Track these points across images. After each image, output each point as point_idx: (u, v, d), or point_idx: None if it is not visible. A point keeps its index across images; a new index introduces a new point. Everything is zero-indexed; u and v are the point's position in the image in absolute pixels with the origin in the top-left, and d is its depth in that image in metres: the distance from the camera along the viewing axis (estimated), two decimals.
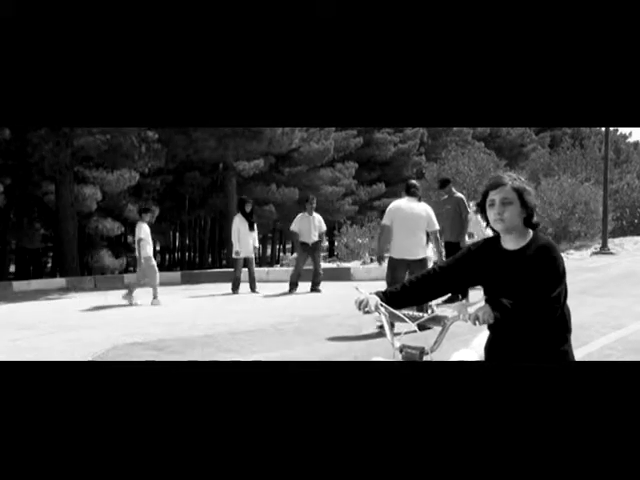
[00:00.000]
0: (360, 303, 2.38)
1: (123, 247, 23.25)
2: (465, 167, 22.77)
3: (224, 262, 20.37)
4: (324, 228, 11.08)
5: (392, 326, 2.38)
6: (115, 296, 10.84)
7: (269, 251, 34.66)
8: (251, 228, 10.98)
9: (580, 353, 5.79)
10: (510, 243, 2.44)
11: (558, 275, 2.32)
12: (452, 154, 24.84)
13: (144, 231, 9.93)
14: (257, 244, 11.48)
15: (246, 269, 11.13)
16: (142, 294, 10.19)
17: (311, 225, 10.73)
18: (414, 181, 7.39)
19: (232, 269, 11.45)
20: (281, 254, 35.01)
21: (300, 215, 10.82)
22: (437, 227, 7.22)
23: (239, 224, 11.00)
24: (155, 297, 9.92)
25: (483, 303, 2.21)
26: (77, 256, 16.75)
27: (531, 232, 2.44)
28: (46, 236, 21.82)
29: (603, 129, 23.58)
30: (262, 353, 5.63)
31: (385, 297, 2.46)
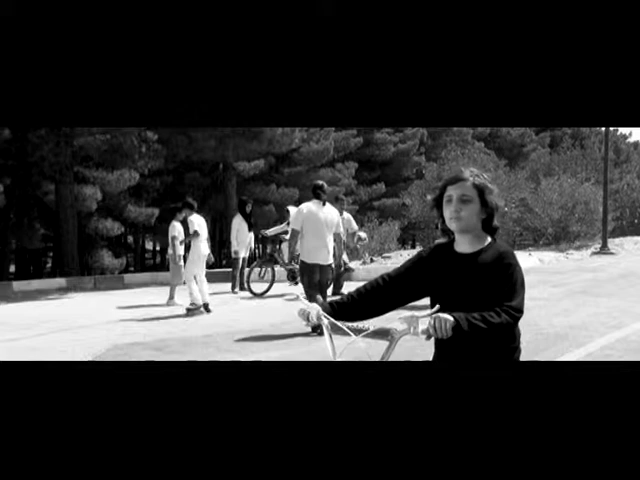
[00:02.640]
0: (302, 313, 2.18)
1: (123, 247, 23.24)
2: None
3: (224, 262, 20.37)
4: (355, 227, 10.88)
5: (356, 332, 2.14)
6: (115, 296, 10.83)
7: (269, 251, 34.58)
8: (250, 228, 11.00)
9: (580, 353, 5.79)
10: (464, 246, 2.21)
11: (517, 284, 2.10)
12: (452, 154, 24.82)
13: (177, 229, 9.91)
14: (252, 244, 11.48)
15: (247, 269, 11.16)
16: (177, 292, 10.21)
17: (347, 224, 10.51)
18: (320, 182, 7.22)
19: (230, 269, 11.45)
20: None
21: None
22: (342, 229, 7.20)
23: (239, 224, 11.00)
24: (172, 297, 9.92)
25: (437, 314, 1.95)
26: (77, 256, 16.75)
27: (489, 237, 2.22)
28: (46, 236, 21.80)
29: (603, 129, 23.58)
30: (262, 353, 5.63)
31: (331, 308, 2.24)
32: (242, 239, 10.98)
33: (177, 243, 9.90)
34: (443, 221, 2.22)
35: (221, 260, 24.28)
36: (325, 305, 2.25)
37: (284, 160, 22.30)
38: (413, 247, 28.94)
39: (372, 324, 2.12)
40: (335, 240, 7.10)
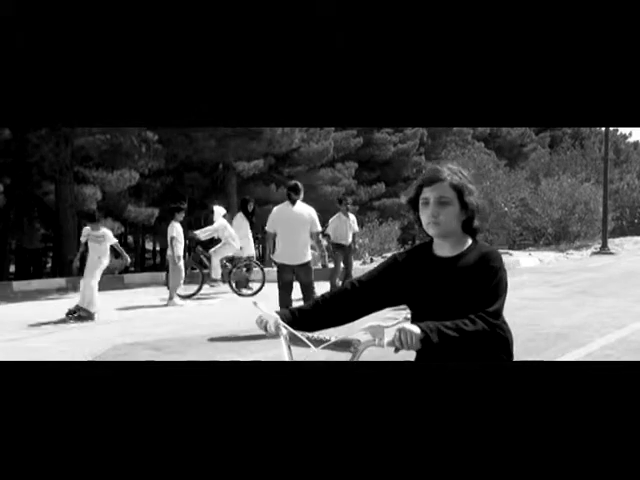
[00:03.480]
0: (260, 322, 2.01)
1: (123, 247, 23.18)
2: (465, 167, 22.77)
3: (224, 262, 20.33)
4: (356, 229, 10.90)
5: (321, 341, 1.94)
6: (115, 296, 10.83)
7: (268, 251, 34.55)
8: (251, 227, 11.04)
9: (580, 353, 5.79)
10: (444, 249, 2.04)
11: (498, 288, 1.95)
12: (452, 154, 24.84)
13: (176, 230, 9.98)
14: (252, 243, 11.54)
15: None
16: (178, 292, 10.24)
17: (347, 226, 10.42)
18: (294, 182, 7.19)
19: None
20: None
21: (336, 216, 10.45)
22: (319, 228, 7.06)
23: (241, 223, 11.02)
24: (171, 298, 9.94)
25: (405, 323, 1.80)
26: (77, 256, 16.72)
27: (470, 239, 2.07)
28: (46, 236, 21.78)
29: (603, 129, 23.59)
30: (261, 353, 5.63)
31: (292, 316, 2.05)
32: (245, 238, 11.03)
33: (176, 244, 9.93)
34: (420, 224, 2.05)
35: (221, 260, 24.26)
36: (285, 313, 2.06)
37: (284, 160, 22.29)
38: None
39: (334, 334, 1.93)
40: (312, 239, 7.01)
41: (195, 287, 10.79)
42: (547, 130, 37.37)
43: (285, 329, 1.96)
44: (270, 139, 19.04)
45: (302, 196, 7.08)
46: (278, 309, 2.10)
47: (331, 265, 9.92)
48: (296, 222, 6.88)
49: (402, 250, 2.32)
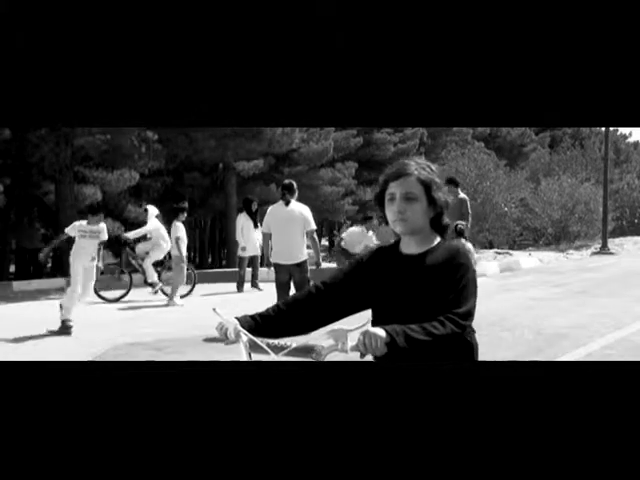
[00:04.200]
0: (220, 329, 1.93)
1: (123, 247, 23.18)
2: (465, 167, 22.80)
3: (224, 262, 20.37)
4: (372, 245, 10.77)
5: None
6: (115, 296, 10.81)
7: (266, 252, 34.54)
8: (255, 227, 10.98)
9: (580, 353, 5.79)
10: (411, 247, 1.95)
11: (467, 288, 1.85)
12: (452, 154, 24.84)
13: (180, 230, 9.96)
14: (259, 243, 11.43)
15: (249, 268, 11.14)
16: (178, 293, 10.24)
17: (365, 240, 10.22)
18: (288, 182, 7.13)
19: (233, 269, 11.44)
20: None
21: (360, 230, 10.30)
22: (313, 227, 6.96)
23: (244, 222, 11.01)
24: (172, 298, 9.94)
25: (368, 328, 1.71)
26: None
27: (439, 237, 1.98)
28: (46, 236, 21.75)
29: (603, 129, 23.60)
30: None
31: (254, 322, 1.96)
32: (248, 237, 10.99)
33: (181, 244, 9.91)
34: (387, 221, 1.96)
35: (220, 260, 24.29)
36: (247, 319, 1.98)
37: (284, 160, 22.28)
38: None
39: (296, 340, 1.86)
40: (307, 237, 6.98)
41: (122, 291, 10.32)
42: (547, 130, 37.36)
43: (245, 336, 1.89)
44: (270, 139, 19.02)
45: (296, 195, 7.01)
46: (239, 315, 2.01)
47: (329, 265, 9.90)
48: (290, 221, 6.85)
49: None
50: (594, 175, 27.70)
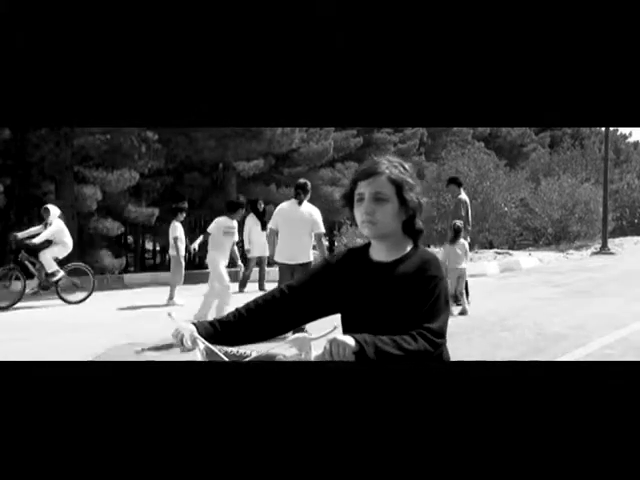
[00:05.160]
0: (176, 336, 1.81)
1: (123, 247, 23.23)
2: (465, 167, 22.80)
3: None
4: None
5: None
6: (115, 296, 10.83)
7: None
8: (263, 228, 10.96)
9: (580, 353, 5.79)
10: (381, 253, 1.82)
11: (440, 302, 1.73)
12: (452, 154, 24.84)
13: (179, 230, 9.99)
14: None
15: (256, 268, 11.14)
16: (178, 293, 10.23)
17: None
18: (303, 181, 7.10)
19: (233, 269, 11.44)
20: None
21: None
22: (322, 230, 6.94)
23: (252, 224, 11.02)
24: (171, 298, 9.94)
25: (335, 334, 1.62)
26: (77, 256, 16.74)
27: (411, 242, 1.84)
28: None
29: (603, 129, 23.61)
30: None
31: (213, 329, 1.84)
32: (255, 239, 10.99)
33: (179, 244, 9.92)
34: (357, 223, 1.83)
35: None
36: (205, 325, 1.85)
37: (284, 160, 22.28)
38: None
39: (257, 349, 1.78)
40: (315, 240, 6.95)
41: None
42: (547, 130, 37.36)
43: (202, 343, 1.78)
44: (270, 139, 19.03)
45: (309, 196, 6.99)
46: (195, 320, 1.90)
47: None
48: (300, 222, 6.80)
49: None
50: (594, 175, 27.70)
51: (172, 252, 10.13)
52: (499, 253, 17.35)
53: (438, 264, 1.79)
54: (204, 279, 12.66)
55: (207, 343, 1.79)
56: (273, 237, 7.00)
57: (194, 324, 1.85)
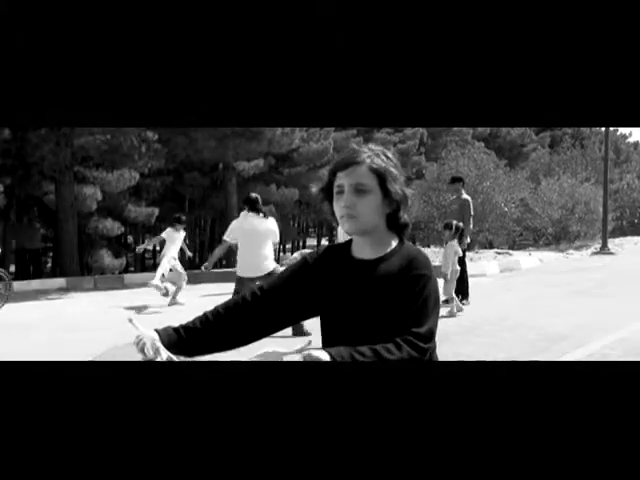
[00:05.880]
0: (137, 343, 1.71)
1: (123, 247, 23.24)
2: (465, 167, 22.81)
3: (224, 262, 20.38)
4: None
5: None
6: (115, 296, 10.83)
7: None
8: None
9: (580, 353, 5.80)
10: (363, 250, 1.67)
11: (428, 303, 1.57)
12: (452, 154, 24.85)
13: (166, 233, 10.21)
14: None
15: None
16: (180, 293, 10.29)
17: None
18: (254, 195, 7.36)
19: (233, 269, 11.45)
20: (281, 254, 35.01)
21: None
22: (277, 239, 7.31)
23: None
24: (174, 297, 10.12)
25: (310, 351, 1.51)
26: (77, 256, 16.75)
27: (397, 238, 1.69)
28: (46, 236, 21.78)
29: (603, 129, 23.62)
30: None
31: (177, 336, 1.72)
32: None
33: (154, 241, 10.20)
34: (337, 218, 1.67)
35: (221, 260, 24.31)
36: (168, 332, 1.73)
37: (284, 160, 22.30)
38: None
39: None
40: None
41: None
42: (547, 130, 37.38)
43: (164, 352, 1.65)
44: (270, 139, 19.05)
45: (261, 207, 7.26)
46: (160, 327, 1.75)
47: None
48: (258, 234, 7.04)
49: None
50: (594, 175, 27.72)
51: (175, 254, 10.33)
52: (499, 253, 17.36)
53: (426, 261, 1.63)
54: (205, 279, 12.66)
55: (169, 353, 1.65)
56: (225, 247, 7.37)
57: (157, 331, 1.72)
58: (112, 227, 17.95)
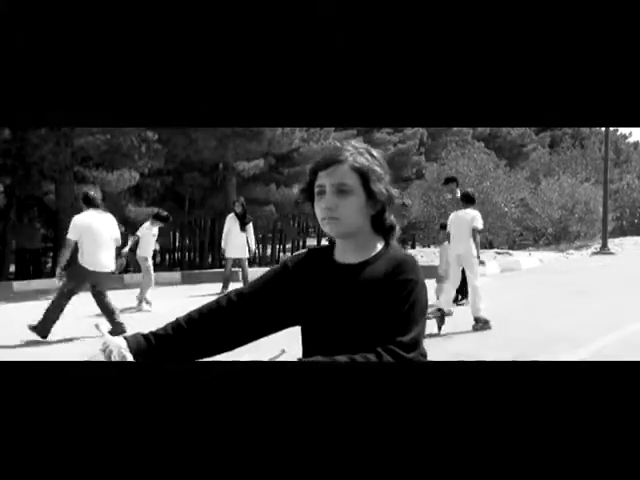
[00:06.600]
0: (104, 350, 1.62)
1: (123, 247, 23.18)
2: (465, 167, 22.82)
3: (223, 262, 20.42)
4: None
5: None
6: (115, 296, 10.82)
7: (269, 251, 34.65)
8: (242, 229, 10.81)
9: (580, 353, 5.80)
10: (347, 254, 1.58)
11: (415, 310, 1.49)
12: (452, 154, 24.87)
13: (143, 230, 10.05)
14: (253, 245, 11.16)
15: (240, 269, 11.12)
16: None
17: None
18: (92, 192, 7.54)
19: (236, 269, 11.43)
20: (281, 254, 35.03)
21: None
22: (117, 235, 7.58)
23: (230, 224, 10.96)
24: (141, 302, 9.98)
25: (283, 359, 1.47)
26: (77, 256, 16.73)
27: (382, 241, 1.60)
28: (46, 236, 21.78)
29: (603, 129, 23.64)
30: (262, 352, 5.60)
31: (146, 344, 1.63)
32: (232, 239, 10.90)
33: (146, 245, 9.95)
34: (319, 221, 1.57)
35: (220, 260, 24.35)
36: (137, 339, 1.63)
37: (284, 160, 22.30)
38: (413, 247, 28.95)
39: None
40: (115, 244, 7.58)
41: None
42: (547, 130, 37.40)
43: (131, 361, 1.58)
44: (270, 139, 19.06)
45: (101, 203, 7.54)
46: (129, 333, 1.68)
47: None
48: (103, 230, 7.27)
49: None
50: (594, 175, 27.74)
51: (139, 252, 10.14)
52: (499, 253, 17.36)
53: (414, 266, 1.53)
54: (204, 279, 12.66)
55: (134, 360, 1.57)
56: (70, 247, 7.35)
57: (125, 338, 1.64)
58: None
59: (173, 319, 1.71)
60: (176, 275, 15.31)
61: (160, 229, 10.60)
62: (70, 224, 7.37)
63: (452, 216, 7.99)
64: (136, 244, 9.92)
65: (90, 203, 7.33)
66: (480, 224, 7.80)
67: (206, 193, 22.04)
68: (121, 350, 1.59)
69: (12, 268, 23.74)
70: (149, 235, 9.95)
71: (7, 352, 6.40)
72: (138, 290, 10.00)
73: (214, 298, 1.69)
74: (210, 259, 27.34)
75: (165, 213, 10.37)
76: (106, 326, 1.50)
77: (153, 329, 1.68)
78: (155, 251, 10.73)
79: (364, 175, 1.54)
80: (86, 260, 7.23)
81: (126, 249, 10.06)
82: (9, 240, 20.62)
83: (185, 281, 14.08)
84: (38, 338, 7.17)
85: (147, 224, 10.08)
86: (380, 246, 1.58)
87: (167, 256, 33.59)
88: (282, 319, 1.65)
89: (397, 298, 1.48)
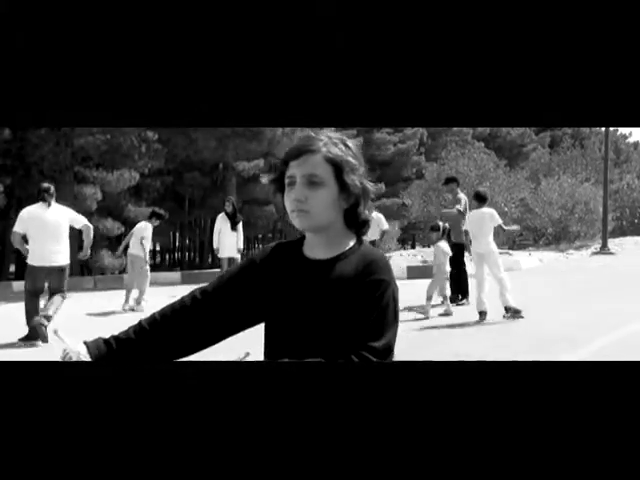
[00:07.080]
0: (64, 357, 1.57)
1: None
2: (465, 167, 22.81)
3: (218, 262, 20.46)
4: (385, 227, 10.99)
5: None
6: (115, 296, 10.83)
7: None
8: (233, 228, 10.75)
9: (580, 353, 5.80)
10: (317, 249, 1.49)
11: (387, 313, 1.40)
12: (452, 154, 24.87)
13: (149, 231, 10.01)
14: (241, 245, 11.04)
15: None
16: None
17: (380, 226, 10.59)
18: (46, 185, 7.38)
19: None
20: None
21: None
22: (84, 224, 7.55)
23: (221, 224, 10.92)
24: (139, 303, 9.93)
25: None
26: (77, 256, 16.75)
27: (354, 237, 1.51)
28: None
29: (603, 129, 23.64)
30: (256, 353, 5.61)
31: (107, 349, 1.57)
32: (223, 239, 10.87)
33: (146, 244, 9.89)
34: (285, 212, 1.51)
35: (220, 260, 24.39)
36: (98, 344, 1.58)
37: None
38: (413, 247, 28.96)
39: None
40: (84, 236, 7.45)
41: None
42: (547, 130, 37.40)
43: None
44: (270, 139, 19.06)
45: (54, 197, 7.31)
46: (88, 338, 1.62)
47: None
48: (56, 224, 7.14)
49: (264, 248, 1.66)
50: (594, 175, 27.74)
51: (138, 253, 10.03)
52: (499, 253, 17.34)
53: (387, 265, 1.45)
54: (205, 279, 12.67)
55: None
56: (18, 240, 7.18)
57: (85, 343, 1.58)
58: (112, 227, 17.96)
59: (136, 321, 1.66)
60: (176, 275, 15.32)
61: (157, 228, 10.55)
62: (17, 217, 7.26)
63: (469, 216, 8.24)
64: (128, 244, 9.88)
65: (40, 196, 7.16)
66: (499, 221, 8.09)
67: (206, 193, 22.04)
68: (80, 356, 1.54)
69: (12, 268, 23.71)
70: (146, 234, 9.91)
71: (7, 352, 6.40)
72: (137, 293, 9.92)
73: (179, 297, 1.63)
74: (210, 259, 27.35)
75: (161, 210, 10.36)
76: (65, 332, 1.46)
77: (115, 333, 1.62)
78: (150, 251, 10.68)
79: (337, 166, 1.46)
80: (32, 255, 7.08)
81: (120, 248, 10.02)
82: (9, 240, 20.62)
83: (185, 281, 14.09)
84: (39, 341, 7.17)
85: (142, 224, 10.03)
86: (352, 242, 1.50)
87: (167, 256, 33.59)
88: (248, 316, 1.57)
89: (369, 300, 1.40)
